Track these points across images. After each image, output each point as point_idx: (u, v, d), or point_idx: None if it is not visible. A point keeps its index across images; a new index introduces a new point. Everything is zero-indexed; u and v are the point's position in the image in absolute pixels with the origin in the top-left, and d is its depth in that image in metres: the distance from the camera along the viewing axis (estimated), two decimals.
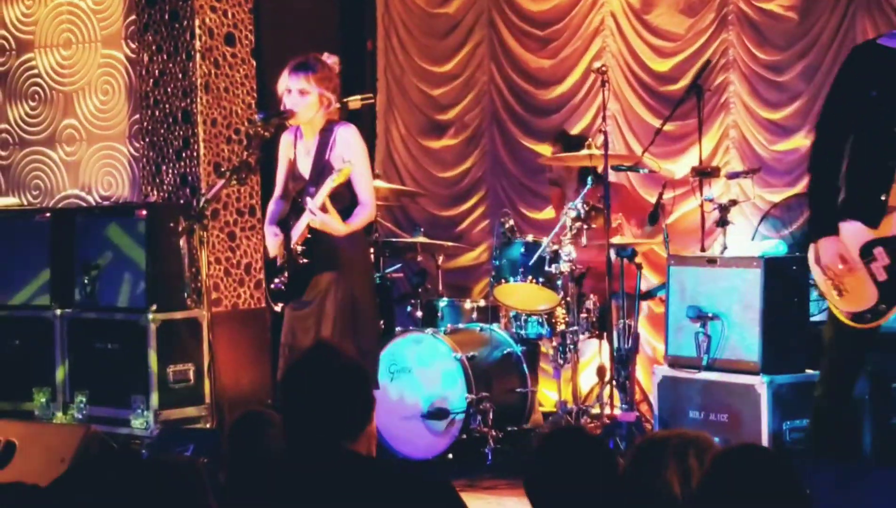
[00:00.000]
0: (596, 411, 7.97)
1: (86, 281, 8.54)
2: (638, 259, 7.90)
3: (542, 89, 9.53)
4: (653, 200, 8.14)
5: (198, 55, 8.73)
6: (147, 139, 9.01)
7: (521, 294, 7.89)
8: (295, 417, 3.42)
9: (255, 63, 9.02)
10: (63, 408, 8.60)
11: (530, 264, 7.77)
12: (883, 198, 5.53)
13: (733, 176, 8.10)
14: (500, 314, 8.34)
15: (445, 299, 8.47)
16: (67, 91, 9.89)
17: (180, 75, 8.80)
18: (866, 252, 5.58)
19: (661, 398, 7.22)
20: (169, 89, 8.85)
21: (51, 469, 5.40)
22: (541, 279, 7.77)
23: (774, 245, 7.79)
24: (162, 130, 8.90)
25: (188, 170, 8.78)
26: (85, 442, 5.57)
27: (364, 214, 6.41)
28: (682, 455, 3.48)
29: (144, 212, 8.41)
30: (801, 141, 8.34)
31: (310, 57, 6.48)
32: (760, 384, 6.74)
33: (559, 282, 7.78)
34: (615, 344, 7.87)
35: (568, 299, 7.83)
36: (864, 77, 5.60)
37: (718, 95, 8.64)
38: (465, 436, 7.68)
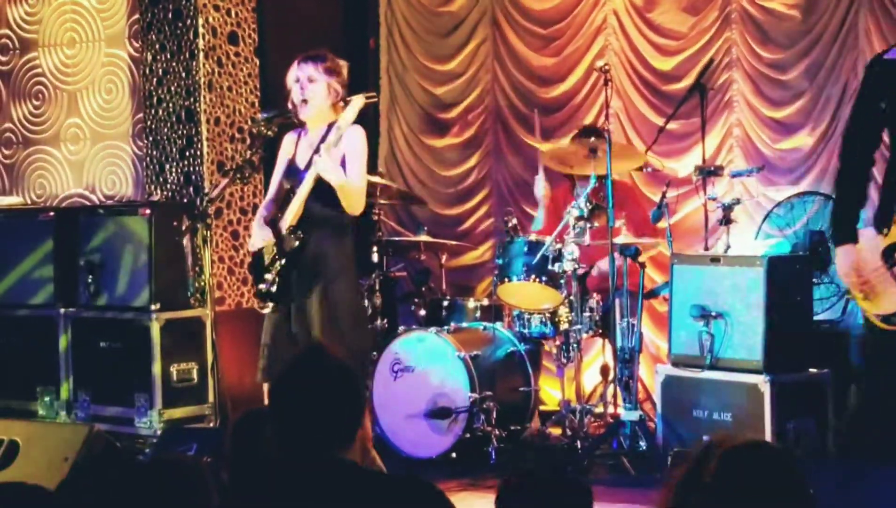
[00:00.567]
0: (599, 410, 7.96)
1: (89, 280, 8.54)
2: (642, 258, 7.89)
3: (545, 88, 9.53)
4: (656, 198, 8.14)
5: (201, 54, 8.74)
6: (150, 138, 9.02)
7: (525, 293, 7.88)
8: (286, 420, 3.41)
9: (258, 62, 9.03)
10: (67, 407, 8.62)
11: (533, 262, 7.77)
12: (894, 206, 5.60)
13: (737, 175, 8.10)
14: (504, 313, 8.34)
15: (449, 297, 8.46)
16: (71, 90, 9.89)
17: (184, 74, 8.81)
18: (888, 256, 5.62)
19: (665, 398, 7.22)
20: (172, 88, 8.86)
21: (54, 469, 5.41)
22: (544, 278, 7.77)
23: (778, 244, 7.78)
24: (165, 129, 8.90)
25: (191, 169, 8.79)
26: (88, 442, 5.57)
27: (357, 182, 6.38)
28: None
29: (148, 211, 8.42)
30: (805, 139, 8.34)
31: (319, 49, 6.50)
32: (764, 382, 6.73)
33: (562, 281, 7.77)
34: (618, 343, 7.86)
35: (571, 297, 7.82)
36: (875, 90, 5.66)
37: (722, 94, 8.64)
38: (468, 435, 7.68)
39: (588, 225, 7.69)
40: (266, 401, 6.06)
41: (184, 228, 8.47)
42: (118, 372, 8.37)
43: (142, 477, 3.36)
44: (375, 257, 8.35)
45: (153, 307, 8.29)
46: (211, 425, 7.76)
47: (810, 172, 8.31)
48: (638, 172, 8.73)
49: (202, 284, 8.48)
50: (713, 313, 6.99)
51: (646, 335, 8.60)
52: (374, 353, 7.81)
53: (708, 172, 7.80)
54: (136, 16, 9.23)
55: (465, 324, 8.20)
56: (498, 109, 9.74)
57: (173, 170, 8.88)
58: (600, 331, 8.08)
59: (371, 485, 3.40)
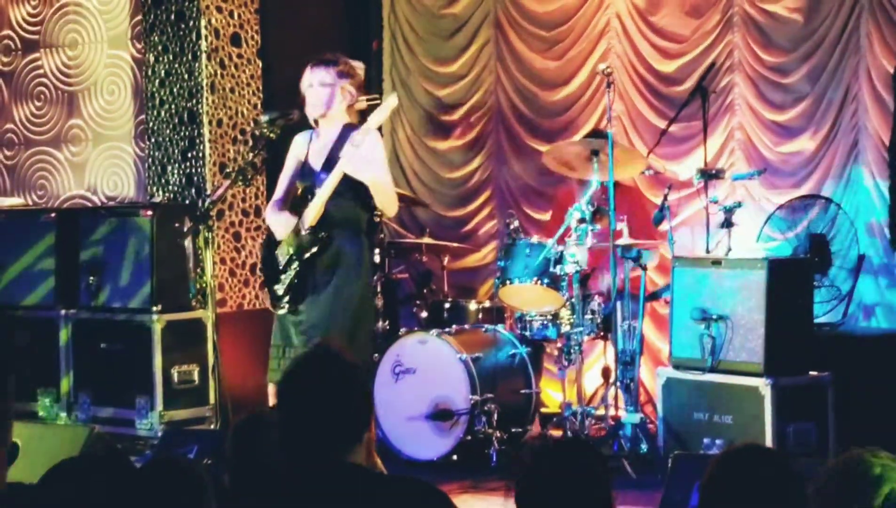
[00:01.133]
0: (600, 412, 7.96)
1: (91, 281, 8.55)
2: (643, 261, 7.90)
3: (548, 90, 9.53)
4: (658, 201, 8.14)
5: (203, 56, 8.74)
6: (153, 140, 9.02)
7: (526, 295, 7.89)
8: (292, 420, 3.41)
9: (260, 63, 9.03)
10: (67, 409, 8.63)
11: (535, 265, 7.77)
12: None
13: (738, 178, 8.11)
14: (505, 315, 8.34)
15: (450, 299, 8.47)
16: (73, 91, 9.90)
17: (186, 76, 8.81)
18: None
19: (666, 400, 7.22)
20: (175, 90, 8.87)
21: None
22: (546, 280, 7.77)
23: (779, 247, 7.78)
24: (167, 131, 8.91)
25: (194, 170, 8.79)
26: (89, 443, 5.58)
27: (389, 183, 6.43)
28: None
29: (150, 212, 8.43)
30: (807, 143, 8.34)
31: (333, 53, 6.50)
32: (764, 385, 6.73)
33: (564, 283, 7.77)
34: (620, 346, 7.87)
35: (573, 300, 7.82)
36: None
37: (724, 97, 8.64)
38: (469, 437, 7.68)
39: (590, 228, 7.70)
40: (272, 402, 6.06)
41: (185, 229, 8.45)
42: (119, 373, 8.37)
43: (139, 479, 3.36)
44: (378, 259, 8.35)
45: (154, 309, 8.30)
46: (212, 427, 7.76)
47: (812, 176, 8.30)
48: (640, 176, 8.73)
49: (203, 285, 8.48)
50: (714, 316, 6.99)
51: (647, 338, 8.60)
52: (376, 355, 7.81)
53: (709, 175, 7.79)
54: (139, 17, 9.24)
55: (466, 326, 8.20)
56: (501, 112, 9.74)
57: (175, 171, 8.88)
58: (602, 333, 8.09)
59: (375, 487, 3.40)
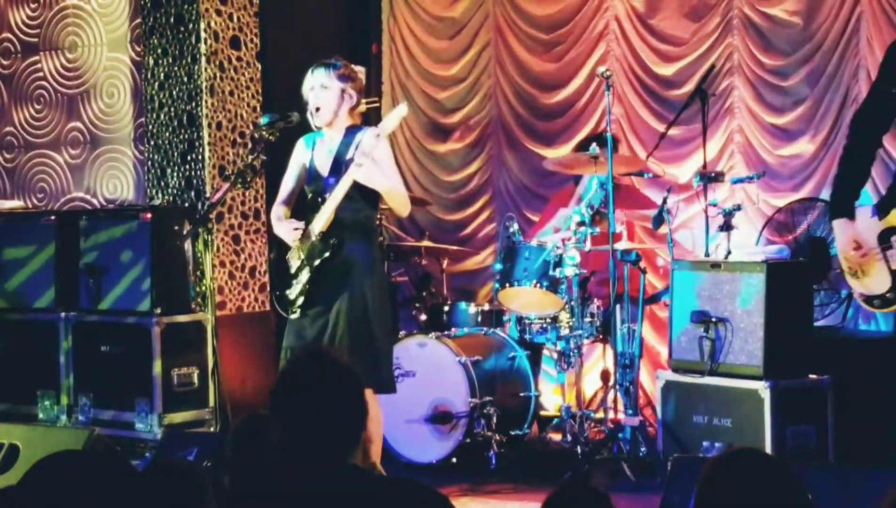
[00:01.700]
0: (599, 415, 7.96)
1: (90, 284, 8.55)
2: (642, 263, 7.90)
3: (547, 93, 9.54)
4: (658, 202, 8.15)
5: (203, 58, 8.74)
6: (152, 142, 9.02)
7: (526, 298, 7.89)
8: (289, 423, 3.42)
9: (260, 66, 9.03)
10: (67, 411, 8.62)
11: (535, 268, 7.77)
12: None
13: (737, 181, 8.11)
14: (505, 318, 8.34)
15: (450, 302, 8.47)
16: (73, 94, 9.90)
17: (185, 79, 8.81)
18: (884, 239, 5.62)
19: (665, 403, 7.22)
20: (174, 92, 8.87)
21: None
22: (545, 283, 7.77)
23: (778, 250, 7.79)
24: (167, 134, 8.91)
25: (193, 173, 8.79)
26: (89, 445, 5.58)
27: (402, 188, 6.45)
28: None
29: (149, 215, 8.42)
30: (806, 146, 8.35)
31: (333, 56, 6.51)
32: (764, 388, 6.73)
33: (563, 286, 7.78)
34: (619, 348, 7.87)
35: (572, 303, 7.83)
36: (892, 73, 5.65)
37: (723, 100, 8.65)
38: (468, 440, 7.68)
39: (589, 230, 7.70)
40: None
41: (185, 232, 8.47)
42: (119, 376, 8.37)
43: (140, 482, 3.36)
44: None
45: (154, 312, 8.29)
46: (212, 429, 7.76)
47: (811, 179, 8.31)
48: (639, 178, 8.73)
49: (203, 288, 8.49)
50: (713, 319, 6.99)
51: (646, 341, 8.60)
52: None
53: (709, 178, 7.80)
54: (138, 20, 9.24)
55: (466, 329, 8.20)
56: (500, 114, 9.75)
57: (175, 174, 8.88)
58: (601, 336, 8.09)
59: (375, 489, 3.40)
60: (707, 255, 7.71)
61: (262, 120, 6.65)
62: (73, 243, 8.72)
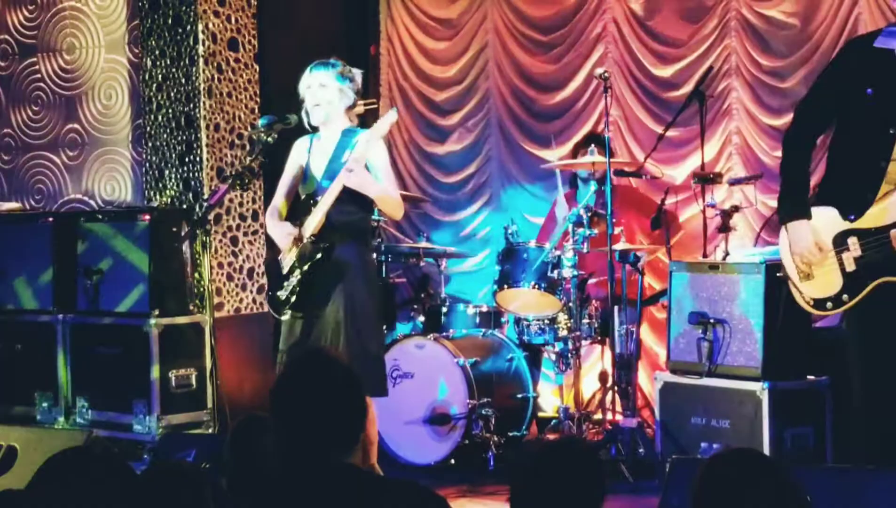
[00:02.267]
0: (598, 417, 7.97)
1: (88, 286, 8.54)
2: (641, 264, 7.91)
3: (545, 95, 9.54)
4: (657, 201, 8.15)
5: (201, 60, 8.74)
6: (150, 144, 9.02)
7: (524, 300, 7.89)
8: (286, 425, 3.42)
9: (258, 68, 9.03)
10: (65, 413, 8.62)
11: (533, 269, 7.77)
12: (870, 196, 5.55)
13: (735, 182, 8.11)
14: (503, 320, 8.34)
15: (448, 304, 8.47)
16: (70, 95, 9.89)
17: (183, 80, 8.81)
18: (840, 241, 5.60)
19: (663, 404, 7.22)
20: (172, 94, 8.86)
21: None
22: (543, 285, 7.77)
23: (776, 251, 7.78)
24: (165, 135, 8.90)
25: (191, 175, 8.79)
26: (87, 447, 5.57)
27: (395, 192, 6.46)
28: None
29: (147, 217, 8.42)
30: None
31: (332, 57, 6.53)
32: (762, 390, 6.73)
33: (561, 287, 7.78)
34: (617, 350, 7.87)
35: (570, 304, 7.83)
36: (859, 73, 5.61)
37: (721, 102, 8.65)
38: (466, 442, 7.69)
39: (587, 232, 7.71)
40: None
41: (183, 234, 8.47)
42: (117, 378, 8.36)
43: (139, 484, 3.36)
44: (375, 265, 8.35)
45: (152, 313, 8.29)
46: (210, 431, 7.76)
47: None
48: (637, 180, 8.74)
49: (201, 289, 8.48)
50: (712, 320, 6.99)
51: (644, 342, 8.61)
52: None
53: (706, 179, 7.80)
54: (136, 22, 9.23)
55: (464, 331, 8.20)
56: (498, 116, 9.75)
57: (173, 176, 8.88)
58: (599, 338, 8.10)
59: (373, 490, 3.40)
60: (705, 256, 7.71)
61: (261, 122, 6.65)
62: (71, 245, 8.72)
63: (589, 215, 7.75)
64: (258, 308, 8.94)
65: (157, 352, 8.22)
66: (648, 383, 8.22)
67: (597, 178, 7.87)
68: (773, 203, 8.28)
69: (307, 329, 6.31)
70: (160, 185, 8.95)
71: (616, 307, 7.91)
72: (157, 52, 8.94)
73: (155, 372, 8.21)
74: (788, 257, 5.76)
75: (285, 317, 6.38)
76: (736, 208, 7.66)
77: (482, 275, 9.64)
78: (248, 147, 8.70)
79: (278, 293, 6.40)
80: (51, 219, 8.99)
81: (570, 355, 7.89)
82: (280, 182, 6.61)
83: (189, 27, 8.78)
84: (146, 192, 9.08)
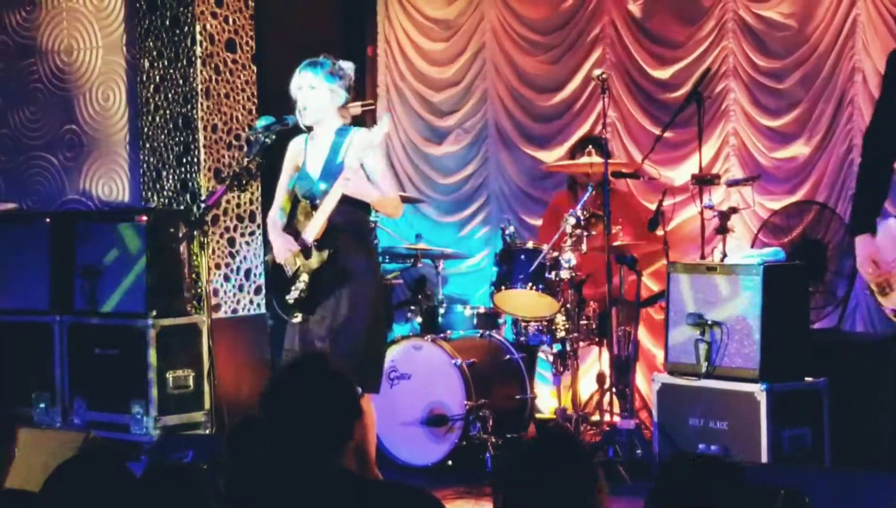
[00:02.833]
0: (595, 418, 7.97)
1: (85, 287, 8.54)
2: (638, 266, 7.91)
3: (543, 96, 9.54)
4: (653, 207, 8.15)
5: (198, 61, 8.74)
6: (147, 145, 9.01)
7: (521, 301, 7.89)
8: (274, 427, 3.43)
9: (255, 69, 9.02)
10: (63, 414, 8.61)
11: (530, 270, 7.77)
12: None
13: (733, 183, 8.12)
14: (500, 321, 8.34)
15: (445, 305, 8.46)
16: (68, 96, 9.87)
17: (181, 81, 8.80)
18: None
19: (661, 406, 7.23)
20: (169, 95, 8.86)
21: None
22: (541, 286, 7.77)
23: (774, 252, 7.79)
24: (162, 136, 8.90)
25: (188, 176, 8.79)
26: (84, 448, 5.57)
27: (393, 195, 6.45)
28: None
29: (144, 218, 8.42)
30: (801, 149, 8.35)
31: (321, 55, 6.51)
32: (760, 391, 6.74)
33: (559, 289, 7.78)
34: (615, 351, 7.87)
35: (568, 305, 7.83)
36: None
37: (718, 103, 8.65)
38: (464, 443, 7.68)
39: (585, 233, 7.71)
40: None
41: (180, 235, 8.47)
42: (114, 379, 8.36)
43: (140, 484, 3.36)
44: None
45: (149, 314, 8.28)
46: (207, 432, 7.75)
47: (806, 182, 8.31)
48: (635, 181, 8.74)
49: (198, 291, 8.48)
50: (709, 322, 7.00)
51: (642, 344, 8.60)
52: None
53: (704, 180, 7.80)
54: (134, 22, 9.22)
55: (461, 332, 8.20)
56: (495, 117, 9.75)
57: (170, 177, 8.87)
58: (597, 339, 8.09)
59: (368, 493, 3.40)
60: (703, 257, 7.71)
61: (258, 123, 6.65)
62: (68, 246, 8.71)
63: (587, 216, 7.74)
64: (255, 309, 8.94)
65: (154, 353, 8.22)
66: (646, 384, 8.22)
67: (593, 183, 7.86)
68: (771, 205, 8.32)
69: (313, 331, 6.31)
70: (157, 186, 8.94)
71: (613, 309, 7.92)
72: (154, 53, 8.94)
73: (152, 373, 8.20)
74: (860, 271, 5.79)
75: (296, 320, 6.38)
76: (734, 210, 7.67)
77: (480, 276, 9.63)
78: (245, 148, 8.69)
79: (286, 298, 6.39)
80: (48, 220, 8.98)
81: (567, 356, 7.89)
82: (279, 184, 6.61)
83: (187, 28, 8.77)
84: (143, 193, 9.07)
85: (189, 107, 8.77)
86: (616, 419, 7.77)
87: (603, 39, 9.23)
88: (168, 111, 8.87)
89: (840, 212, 7.99)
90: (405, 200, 9.16)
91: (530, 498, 3.19)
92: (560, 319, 7.88)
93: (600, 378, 8.10)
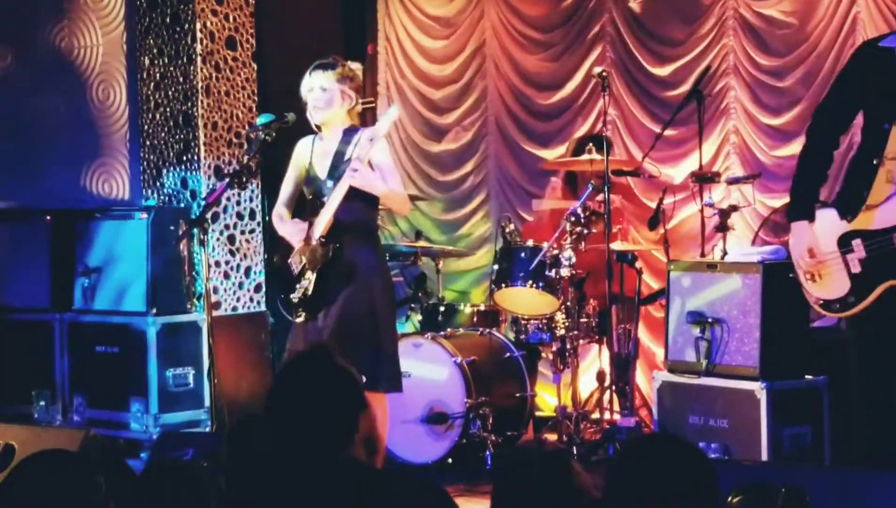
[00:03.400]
0: (595, 416, 7.97)
1: (86, 284, 8.54)
2: (638, 264, 7.90)
3: (543, 94, 9.54)
4: (653, 205, 8.15)
5: (199, 59, 8.74)
6: (148, 142, 9.01)
7: (522, 299, 7.89)
8: (279, 418, 3.43)
9: (256, 67, 9.02)
10: (63, 412, 8.61)
11: (530, 268, 7.77)
12: (864, 194, 5.55)
13: (733, 181, 8.12)
14: (500, 319, 8.34)
15: (445, 303, 8.47)
16: (68, 93, 9.85)
17: (181, 79, 8.80)
18: (845, 242, 5.60)
19: (661, 404, 7.22)
20: (170, 93, 8.86)
21: None
22: (541, 284, 7.77)
23: (774, 251, 7.79)
24: (163, 134, 8.90)
25: (189, 173, 8.79)
26: (84, 446, 5.57)
27: (401, 189, 6.45)
28: None
29: (145, 215, 8.42)
30: (801, 146, 8.34)
31: (331, 57, 6.52)
32: (760, 389, 6.73)
33: (559, 287, 7.78)
34: (615, 349, 7.87)
35: (568, 303, 7.83)
36: (865, 75, 5.62)
37: (719, 101, 8.65)
38: (464, 441, 7.68)
39: (585, 231, 7.71)
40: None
41: (180, 232, 8.47)
42: (114, 376, 8.37)
43: (142, 481, 3.36)
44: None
45: (150, 312, 8.29)
46: (207, 429, 7.75)
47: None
48: (635, 179, 8.74)
49: (199, 288, 8.48)
50: (709, 320, 6.99)
51: (642, 341, 8.61)
52: None
53: (704, 178, 7.81)
54: (134, 20, 9.22)
55: (461, 330, 8.20)
56: (495, 115, 9.75)
57: (170, 174, 8.87)
58: (597, 337, 8.09)
59: (375, 484, 3.41)
60: (703, 255, 7.71)
61: (259, 120, 6.66)
62: (69, 243, 8.71)
63: (587, 214, 7.74)
64: (255, 307, 8.94)
65: (154, 351, 8.23)
66: (646, 382, 8.22)
67: (594, 181, 7.87)
68: (772, 203, 8.32)
69: (321, 330, 6.30)
70: (158, 183, 8.95)
71: (614, 307, 7.92)
72: (154, 51, 8.94)
73: (152, 371, 8.21)
74: (794, 258, 5.78)
75: (299, 320, 6.37)
76: (734, 208, 7.66)
77: (480, 274, 9.63)
78: (246, 146, 8.68)
79: (291, 296, 6.39)
80: (48, 217, 8.99)
81: (567, 354, 7.89)
82: (283, 184, 6.61)
83: (187, 26, 8.77)
84: (144, 190, 9.07)
85: (189, 104, 8.77)
86: (616, 416, 7.77)
87: (603, 37, 9.23)
88: (168, 109, 8.87)
89: None
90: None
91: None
92: (560, 316, 7.88)
93: (600, 376, 8.10)
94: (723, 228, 7.50)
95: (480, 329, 8.18)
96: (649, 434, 3.29)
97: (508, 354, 8.03)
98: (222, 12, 8.85)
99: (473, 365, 7.79)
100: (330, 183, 6.34)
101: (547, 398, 8.91)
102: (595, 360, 8.52)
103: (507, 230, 8.02)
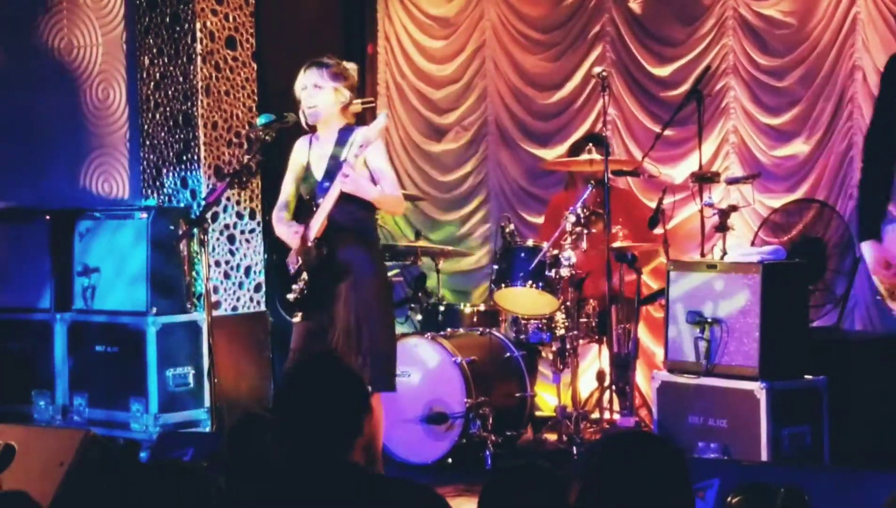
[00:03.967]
0: (595, 416, 7.97)
1: (86, 284, 8.54)
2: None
3: (543, 93, 9.54)
4: (653, 205, 8.15)
5: (199, 58, 8.74)
6: (147, 142, 9.01)
7: (521, 299, 7.89)
8: (286, 421, 3.44)
9: (256, 66, 9.02)
10: (62, 412, 8.61)
11: (530, 268, 7.77)
12: None
13: (733, 181, 8.12)
14: (500, 319, 8.34)
15: (445, 303, 8.47)
16: (68, 93, 9.86)
17: (181, 78, 8.81)
18: None
19: (661, 404, 7.22)
20: (170, 92, 8.86)
21: (50, 473, 5.41)
22: (541, 284, 7.77)
23: (774, 251, 7.80)
24: (162, 134, 8.90)
25: (189, 173, 8.79)
26: (84, 446, 5.57)
27: (394, 192, 6.45)
28: None
29: (144, 215, 8.42)
30: (801, 147, 8.35)
31: (325, 55, 6.52)
32: (759, 389, 6.73)
33: (559, 287, 7.78)
34: (615, 349, 7.87)
35: (568, 303, 7.83)
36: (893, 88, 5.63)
37: (718, 101, 8.65)
38: (464, 441, 7.68)
39: (585, 231, 7.71)
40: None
41: (180, 232, 8.47)
42: (114, 376, 8.37)
43: (143, 480, 3.36)
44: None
45: (149, 311, 8.29)
46: (207, 429, 7.76)
47: (806, 180, 8.31)
48: (635, 179, 8.74)
49: (198, 288, 8.48)
50: (709, 320, 6.99)
51: (642, 341, 8.60)
52: None
53: (704, 178, 7.81)
54: (134, 20, 9.22)
55: (461, 330, 8.20)
56: (495, 114, 9.75)
57: (170, 174, 8.88)
58: (597, 337, 8.09)
59: (373, 488, 3.41)
60: (703, 255, 7.71)
61: (259, 120, 6.66)
62: (69, 243, 8.71)
63: (587, 214, 7.75)
64: (255, 307, 8.94)
65: (154, 350, 8.23)
66: (646, 382, 8.22)
67: (594, 180, 7.87)
68: (771, 203, 8.32)
69: (319, 330, 6.31)
70: (157, 183, 8.95)
71: (613, 307, 7.92)
72: (154, 51, 8.94)
73: (152, 371, 8.21)
74: (872, 275, 5.80)
75: (296, 320, 6.38)
76: (733, 208, 7.66)
77: (479, 274, 9.64)
78: (245, 145, 8.68)
79: (287, 296, 6.40)
80: (48, 217, 8.99)
81: (567, 354, 7.89)
82: (283, 184, 6.62)
83: (187, 25, 8.77)
84: (144, 190, 9.07)
85: (189, 104, 8.77)
86: (616, 416, 7.77)
87: (603, 37, 9.23)
88: (168, 108, 8.87)
89: (840, 210, 8.00)
90: (404, 197, 9.19)
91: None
92: (560, 316, 7.88)
93: (600, 376, 8.10)
94: (722, 228, 7.50)
95: (480, 329, 8.18)
96: (617, 433, 3.28)
97: (508, 354, 8.03)
98: (222, 12, 8.85)
99: (473, 365, 7.79)
100: (326, 184, 6.34)
101: (547, 398, 8.91)
102: (595, 360, 8.52)
103: (507, 230, 8.02)
